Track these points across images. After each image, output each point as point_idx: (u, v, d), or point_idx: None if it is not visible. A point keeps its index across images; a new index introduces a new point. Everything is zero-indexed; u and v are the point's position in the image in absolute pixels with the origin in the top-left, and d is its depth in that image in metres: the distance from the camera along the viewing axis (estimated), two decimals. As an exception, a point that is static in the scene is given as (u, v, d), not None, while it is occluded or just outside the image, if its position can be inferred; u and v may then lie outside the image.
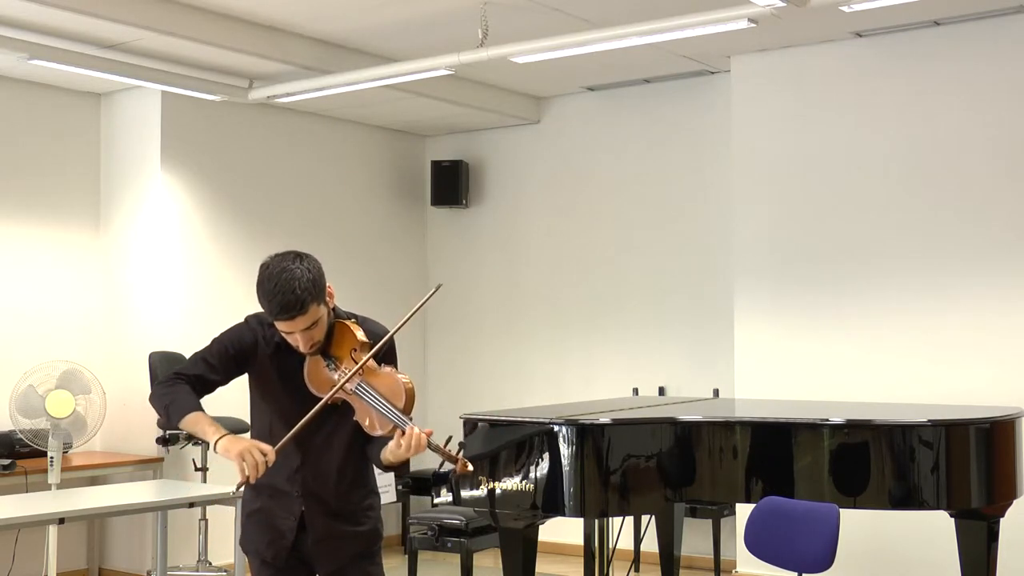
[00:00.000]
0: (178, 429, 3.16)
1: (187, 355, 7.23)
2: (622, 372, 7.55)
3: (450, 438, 3.05)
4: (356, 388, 3.01)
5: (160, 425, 3.18)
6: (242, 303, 7.72)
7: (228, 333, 3.22)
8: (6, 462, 6.27)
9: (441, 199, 8.28)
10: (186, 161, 7.09)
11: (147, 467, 6.84)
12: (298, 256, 3.04)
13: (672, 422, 4.56)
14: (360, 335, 3.09)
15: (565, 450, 4.38)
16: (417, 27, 6.15)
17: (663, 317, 7.45)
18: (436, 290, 3.11)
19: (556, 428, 4.42)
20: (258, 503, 3.21)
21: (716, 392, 7.07)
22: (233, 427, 7.27)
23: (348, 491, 3.18)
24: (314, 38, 6.41)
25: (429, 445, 2.98)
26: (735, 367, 6.77)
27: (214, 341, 3.20)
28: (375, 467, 3.20)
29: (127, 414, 6.99)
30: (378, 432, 3.01)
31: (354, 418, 3.06)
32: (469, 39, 5.96)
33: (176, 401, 3.09)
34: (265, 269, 3.04)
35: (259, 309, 3.12)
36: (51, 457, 5.96)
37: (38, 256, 6.92)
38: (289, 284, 2.96)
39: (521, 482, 4.43)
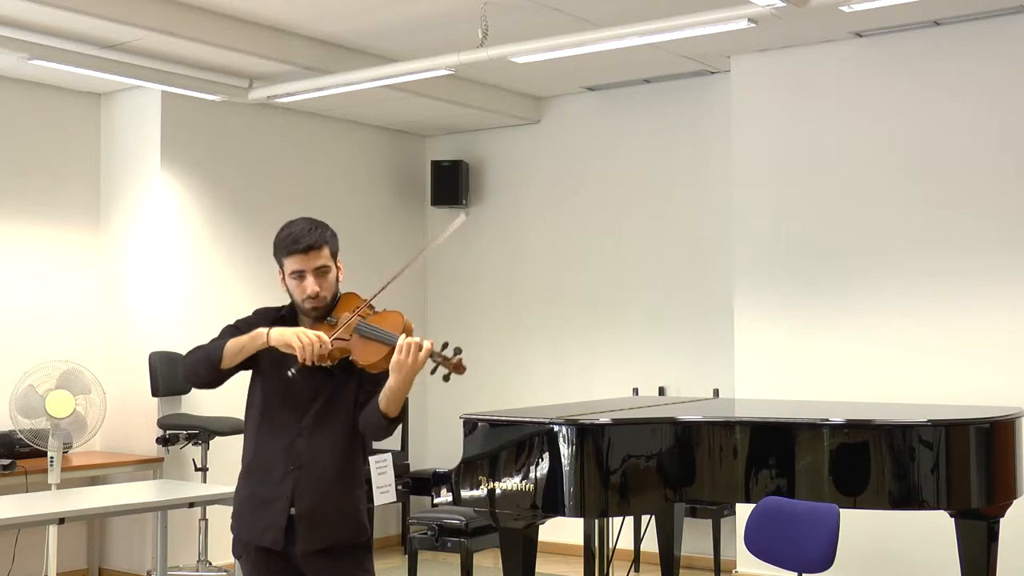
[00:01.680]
0: (230, 370, 3.17)
1: (187, 355, 7.21)
2: (622, 372, 7.55)
3: (446, 344, 3.09)
4: (358, 326, 3.11)
5: (209, 378, 3.17)
6: (242, 303, 7.73)
7: (233, 322, 3.29)
8: (6, 462, 6.27)
9: (441, 199, 8.28)
10: (186, 161, 7.09)
11: (147, 467, 6.84)
12: None
13: (672, 422, 4.56)
14: (361, 296, 3.22)
15: (565, 450, 4.38)
16: (417, 27, 6.15)
17: (663, 317, 7.45)
18: (421, 252, 3.22)
19: (556, 428, 4.42)
20: (248, 489, 3.23)
21: (716, 392, 7.07)
22: (234, 427, 7.31)
23: (340, 470, 3.18)
24: (314, 38, 6.41)
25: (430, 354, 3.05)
26: (735, 367, 6.77)
27: (226, 327, 3.27)
28: (376, 427, 3.17)
29: (127, 414, 6.99)
30: (372, 360, 3.05)
31: (352, 359, 3.10)
32: (469, 39, 5.96)
33: (208, 347, 3.16)
34: (292, 220, 3.27)
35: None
36: (51, 457, 5.96)
37: (38, 256, 6.92)
38: (310, 222, 3.23)
39: (521, 482, 4.43)
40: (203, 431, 6.67)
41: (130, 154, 7.11)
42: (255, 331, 3.10)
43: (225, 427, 6.73)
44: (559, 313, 7.90)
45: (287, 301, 3.34)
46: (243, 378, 3.35)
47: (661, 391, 7.38)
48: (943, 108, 6.22)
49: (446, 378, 3.10)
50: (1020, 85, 6.01)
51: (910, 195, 6.29)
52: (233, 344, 3.11)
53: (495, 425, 4.58)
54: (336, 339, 3.10)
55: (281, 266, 3.24)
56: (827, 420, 4.39)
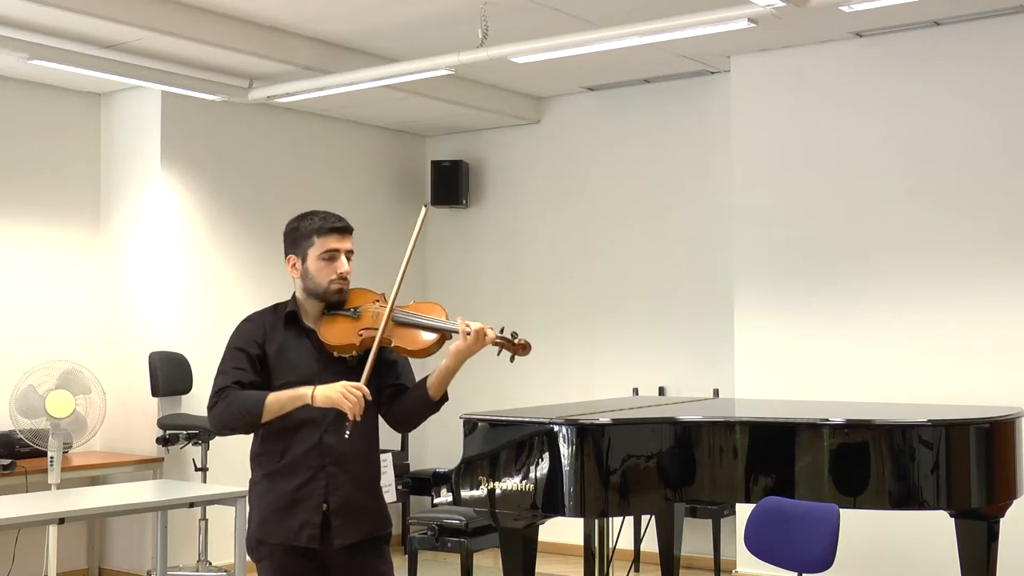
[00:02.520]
0: (263, 423, 3.16)
1: (187, 355, 7.30)
2: (622, 372, 7.55)
3: (503, 328, 3.19)
4: (398, 315, 3.17)
5: (245, 431, 3.19)
6: (242, 303, 7.74)
7: (233, 341, 3.26)
8: (6, 462, 6.27)
9: (441, 199, 8.28)
10: (186, 161, 7.09)
11: (147, 467, 6.84)
12: None
13: (672, 422, 4.56)
14: (373, 291, 3.29)
15: (565, 450, 4.38)
16: (417, 27, 6.15)
17: (663, 317, 7.45)
18: (408, 256, 3.23)
19: (556, 428, 4.42)
20: (277, 491, 3.19)
21: (716, 392, 7.07)
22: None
23: (367, 463, 3.24)
24: (314, 38, 6.41)
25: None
26: (735, 367, 6.77)
27: (226, 354, 3.24)
28: (415, 414, 3.27)
29: (127, 414, 6.99)
30: (423, 345, 3.13)
31: (395, 345, 3.15)
32: (469, 39, 5.96)
33: (243, 401, 3.13)
34: (298, 215, 3.33)
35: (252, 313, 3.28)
36: (51, 457, 5.97)
37: (38, 256, 6.92)
38: (335, 213, 3.29)
39: (521, 482, 4.43)
40: (203, 431, 6.66)
41: (130, 154, 7.11)
42: (299, 392, 3.09)
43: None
44: (559, 313, 7.90)
45: (280, 298, 3.36)
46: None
47: (661, 391, 7.38)
48: (943, 108, 6.22)
49: (512, 359, 3.23)
50: (1020, 85, 6.01)
51: (910, 195, 6.29)
52: (273, 403, 3.10)
53: (495, 425, 4.58)
54: (365, 329, 3.16)
55: (305, 248, 3.25)
56: (827, 420, 4.39)
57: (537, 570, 4.68)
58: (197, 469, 6.71)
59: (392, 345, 3.16)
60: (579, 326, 7.80)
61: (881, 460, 4.31)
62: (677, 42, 6.25)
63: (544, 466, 4.40)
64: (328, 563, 3.20)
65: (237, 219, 7.34)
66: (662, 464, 4.54)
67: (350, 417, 3.04)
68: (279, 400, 3.10)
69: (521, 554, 4.56)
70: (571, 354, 7.83)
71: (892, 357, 6.26)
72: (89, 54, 6.20)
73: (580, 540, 5.83)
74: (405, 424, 3.33)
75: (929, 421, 4.31)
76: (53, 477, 5.97)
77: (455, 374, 3.19)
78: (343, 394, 3.04)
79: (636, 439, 4.51)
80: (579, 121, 7.90)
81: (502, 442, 4.50)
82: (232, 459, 6.98)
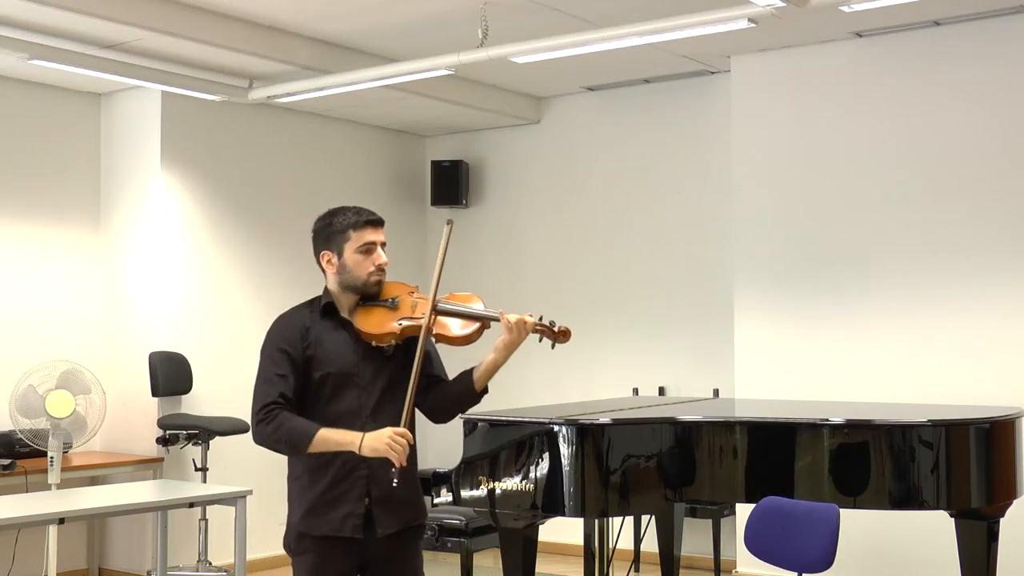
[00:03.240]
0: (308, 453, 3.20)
1: (187, 355, 7.28)
2: (622, 372, 7.55)
3: (541, 316, 3.30)
4: (440, 304, 3.23)
5: (288, 452, 3.22)
6: (242, 303, 7.75)
7: (267, 342, 3.27)
8: (6, 462, 6.27)
9: (441, 199, 8.28)
10: (186, 161, 7.09)
11: (147, 467, 6.84)
12: None
13: (672, 422, 4.56)
14: (406, 283, 3.36)
15: (565, 450, 4.38)
16: (417, 27, 6.15)
17: (663, 317, 7.45)
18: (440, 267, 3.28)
19: (556, 428, 4.42)
20: (321, 483, 3.21)
21: (716, 392, 7.07)
22: (234, 427, 7.29)
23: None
24: (314, 38, 6.41)
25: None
26: (735, 367, 6.77)
27: (263, 358, 3.24)
28: (456, 404, 3.35)
29: (127, 414, 6.99)
30: (465, 334, 3.22)
31: (438, 333, 3.22)
32: (469, 39, 5.96)
33: (292, 431, 3.15)
34: (329, 210, 3.38)
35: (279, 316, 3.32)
36: (51, 457, 5.96)
37: (38, 256, 6.92)
38: (366, 208, 3.36)
39: (521, 482, 4.43)
40: (203, 431, 6.66)
41: (130, 154, 7.11)
42: (348, 439, 3.12)
43: (225, 427, 6.73)
44: (559, 313, 7.79)
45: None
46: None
47: (661, 391, 7.38)
48: (943, 108, 6.22)
49: (553, 346, 3.32)
50: (1020, 85, 6.01)
51: (910, 195, 6.29)
52: (321, 442, 3.13)
53: (495, 425, 4.58)
54: (405, 319, 3.21)
55: (341, 243, 3.29)
56: (827, 420, 4.39)
57: (537, 570, 4.68)
58: (197, 469, 6.70)
59: (435, 334, 3.22)
60: (579, 326, 7.70)
61: (881, 460, 4.32)
62: (677, 42, 6.25)
63: (544, 466, 4.40)
64: (368, 553, 3.24)
65: (237, 219, 7.34)
66: (662, 464, 4.54)
67: (396, 464, 3.10)
68: (327, 442, 3.14)
69: (521, 554, 4.56)
70: (571, 354, 7.80)
71: (892, 357, 6.26)
72: (89, 54, 6.20)
73: (580, 540, 5.83)
74: (444, 414, 3.40)
75: (929, 421, 4.31)
76: (53, 477, 5.97)
77: (501, 367, 3.29)
78: (389, 445, 3.09)
79: (636, 439, 4.51)
80: (579, 121, 7.89)
81: (502, 442, 4.50)
82: (232, 459, 6.99)
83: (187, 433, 6.65)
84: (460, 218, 8.46)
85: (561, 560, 7.25)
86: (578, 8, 5.80)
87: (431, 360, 3.36)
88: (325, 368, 3.22)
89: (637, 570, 6.98)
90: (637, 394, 7.35)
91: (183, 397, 6.94)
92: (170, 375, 6.79)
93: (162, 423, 6.73)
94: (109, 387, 6.58)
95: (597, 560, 5.71)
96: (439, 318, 3.23)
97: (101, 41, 6.11)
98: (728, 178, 6.97)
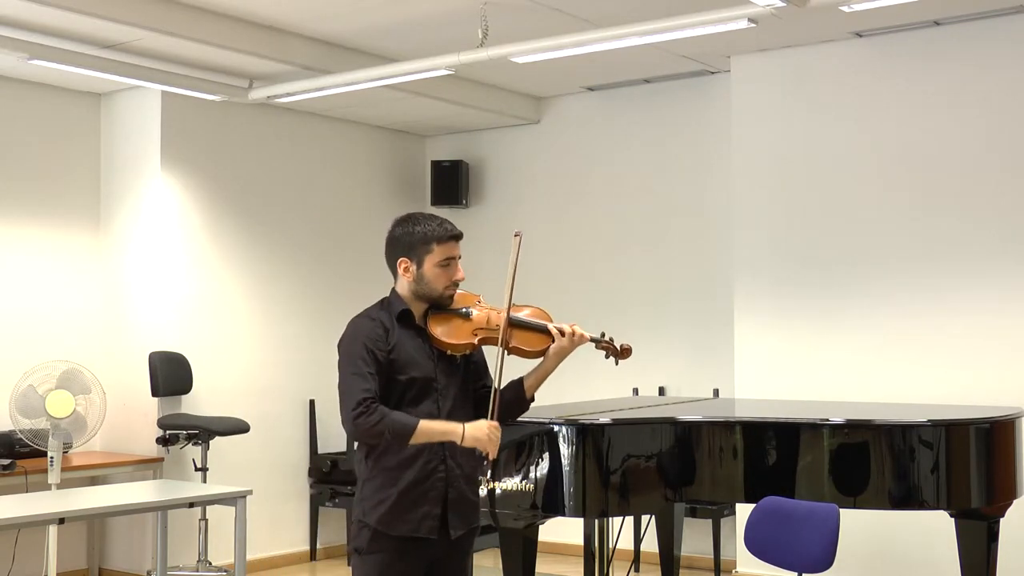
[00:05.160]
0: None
1: (187, 355, 7.28)
2: (622, 372, 7.47)
3: (603, 333, 3.45)
4: (516, 319, 3.33)
5: (389, 443, 3.24)
6: (242, 303, 7.74)
7: (351, 340, 3.28)
8: (6, 462, 6.27)
9: (441, 199, 8.28)
10: (186, 161, 7.09)
11: (147, 467, 6.84)
12: None
13: (672, 422, 4.56)
14: (470, 292, 3.42)
15: (565, 450, 4.38)
16: (417, 27, 6.15)
17: (663, 317, 7.45)
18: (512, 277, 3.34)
19: (556, 428, 4.42)
20: (402, 483, 3.24)
21: (716, 392, 7.07)
22: (234, 427, 7.30)
23: (471, 453, 3.32)
24: (314, 38, 6.41)
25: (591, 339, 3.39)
26: (735, 367, 6.77)
27: (347, 357, 3.25)
28: (508, 411, 3.41)
29: (127, 414, 6.99)
30: (540, 346, 3.35)
31: (514, 346, 3.30)
32: (469, 39, 5.96)
33: (396, 422, 3.18)
34: (411, 215, 3.38)
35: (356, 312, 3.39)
36: (51, 457, 5.96)
37: (38, 256, 6.92)
38: (433, 216, 3.36)
39: (521, 482, 4.43)
40: (203, 431, 6.66)
41: (130, 154, 7.11)
42: (450, 429, 3.20)
43: (225, 427, 6.73)
44: (558, 313, 7.81)
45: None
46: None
47: (661, 391, 7.38)
48: (943, 108, 6.22)
49: (616, 362, 3.51)
50: (1020, 85, 6.01)
51: (910, 195, 6.29)
52: (424, 433, 3.18)
53: (495, 425, 4.57)
54: (481, 330, 3.30)
55: (422, 255, 3.30)
56: (827, 420, 4.39)
57: (537, 570, 4.68)
58: (197, 469, 6.70)
59: (511, 346, 3.30)
60: (579, 326, 7.78)
61: (881, 460, 4.32)
62: (677, 42, 6.25)
63: (544, 466, 4.40)
64: (437, 554, 3.28)
65: (237, 219, 7.34)
66: (662, 464, 4.54)
67: (490, 457, 3.22)
68: (431, 432, 3.20)
69: (521, 554, 4.56)
70: (571, 354, 7.81)
71: (892, 357, 6.26)
72: (89, 54, 6.20)
73: (580, 540, 5.82)
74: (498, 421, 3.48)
75: (929, 421, 4.31)
76: (53, 477, 5.97)
77: (552, 372, 3.41)
78: (488, 436, 3.21)
79: (636, 439, 4.52)
80: (579, 121, 7.89)
81: (502, 442, 4.49)
82: (232, 459, 7.00)
83: (187, 433, 6.65)
84: (460, 218, 8.46)
85: (561, 560, 7.25)
86: (578, 8, 5.80)
87: (485, 370, 3.46)
88: (409, 372, 3.26)
89: (637, 570, 6.98)
90: (637, 394, 7.35)
91: (183, 397, 6.94)
92: (170, 375, 6.79)
93: (162, 423, 6.73)
94: (109, 387, 6.58)
95: (597, 560, 5.71)
96: (515, 331, 3.32)
97: (101, 41, 6.11)
98: (728, 178, 6.97)
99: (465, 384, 3.36)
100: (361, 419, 3.16)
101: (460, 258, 3.37)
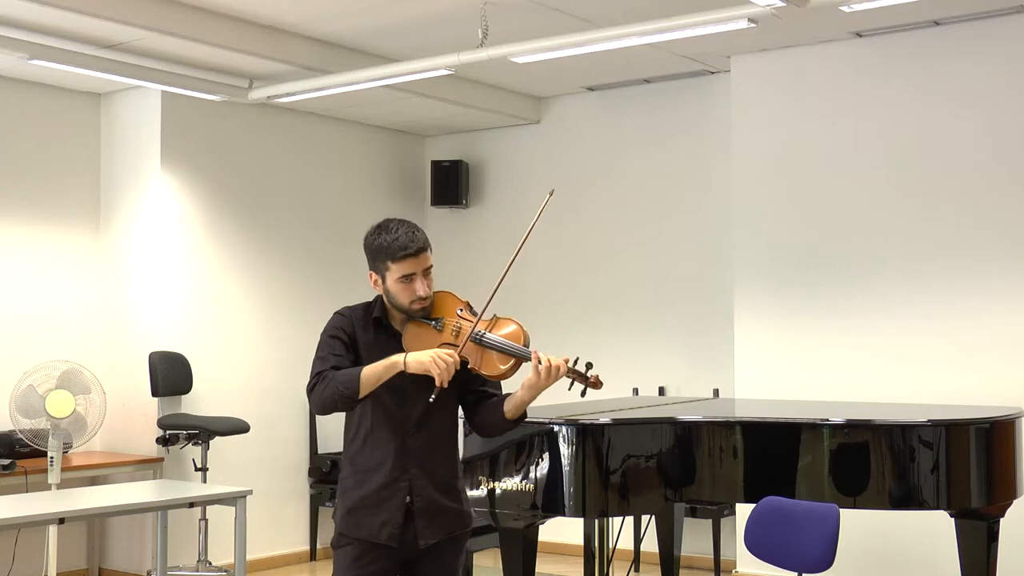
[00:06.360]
0: (364, 395, 3.16)
1: (187, 355, 7.28)
2: (622, 372, 7.54)
3: (577, 359, 3.28)
4: (476, 335, 3.19)
5: (346, 408, 3.24)
6: (242, 302, 7.75)
7: (328, 330, 3.30)
8: (6, 462, 6.27)
9: (441, 199, 8.28)
10: (186, 161, 7.09)
11: (147, 467, 6.84)
12: None
13: (672, 422, 4.56)
14: (458, 296, 3.33)
15: (565, 450, 4.38)
16: (417, 27, 6.15)
17: (663, 317, 7.45)
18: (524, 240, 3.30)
19: (556, 428, 4.42)
20: (363, 489, 3.24)
21: (716, 392, 7.07)
22: (233, 427, 7.29)
23: (448, 464, 3.30)
24: (314, 38, 6.41)
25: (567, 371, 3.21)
26: (735, 367, 6.77)
27: (322, 342, 3.27)
28: (493, 427, 3.35)
29: (127, 414, 6.99)
30: (498, 371, 3.19)
31: (472, 367, 3.19)
32: (469, 39, 5.96)
33: (341, 378, 3.15)
34: (382, 223, 3.35)
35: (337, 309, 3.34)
36: (51, 457, 5.96)
37: (38, 256, 6.92)
38: (406, 224, 3.32)
39: (521, 482, 4.43)
40: (203, 431, 6.67)
41: (130, 154, 7.11)
42: (391, 360, 3.13)
43: (225, 427, 6.73)
44: (559, 313, 7.90)
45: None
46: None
47: (661, 391, 7.38)
48: (943, 108, 6.22)
49: (583, 393, 3.31)
50: (1020, 85, 6.01)
51: (910, 195, 6.29)
52: (369, 376, 3.13)
53: (495, 425, 4.57)
54: (445, 345, 3.18)
55: (382, 270, 3.28)
56: (827, 420, 4.39)
57: (537, 570, 4.68)
58: (197, 469, 6.70)
59: (469, 366, 3.20)
60: (579, 326, 7.80)
61: (881, 460, 4.32)
62: (677, 42, 6.25)
63: (544, 466, 4.40)
64: (408, 557, 3.26)
65: (237, 219, 7.34)
66: (662, 464, 4.54)
67: (437, 383, 3.10)
68: (375, 372, 3.14)
69: (521, 554, 4.56)
70: (571, 354, 7.79)
71: (892, 357, 6.26)
72: (89, 54, 6.20)
73: (580, 540, 5.83)
74: (485, 433, 3.48)
75: (929, 421, 4.31)
76: (53, 477, 5.97)
77: (531, 402, 3.28)
78: (434, 359, 3.08)
79: (636, 439, 4.51)
80: (579, 121, 7.90)
81: (502, 442, 4.50)
82: (232, 459, 7.00)
83: (187, 433, 6.65)
84: (460, 218, 8.47)
85: (561, 560, 7.25)
86: (578, 8, 5.80)
87: (482, 375, 3.35)
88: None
89: (637, 570, 6.98)
90: (637, 394, 7.35)
91: (183, 397, 6.94)
92: (170, 375, 6.80)
93: (162, 423, 6.73)
94: (109, 387, 6.58)
95: (597, 560, 5.71)
96: (477, 350, 3.21)
97: (101, 41, 6.11)
98: (728, 178, 6.97)
99: (444, 392, 3.18)
100: (312, 395, 3.20)
101: (429, 268, 3.30)
